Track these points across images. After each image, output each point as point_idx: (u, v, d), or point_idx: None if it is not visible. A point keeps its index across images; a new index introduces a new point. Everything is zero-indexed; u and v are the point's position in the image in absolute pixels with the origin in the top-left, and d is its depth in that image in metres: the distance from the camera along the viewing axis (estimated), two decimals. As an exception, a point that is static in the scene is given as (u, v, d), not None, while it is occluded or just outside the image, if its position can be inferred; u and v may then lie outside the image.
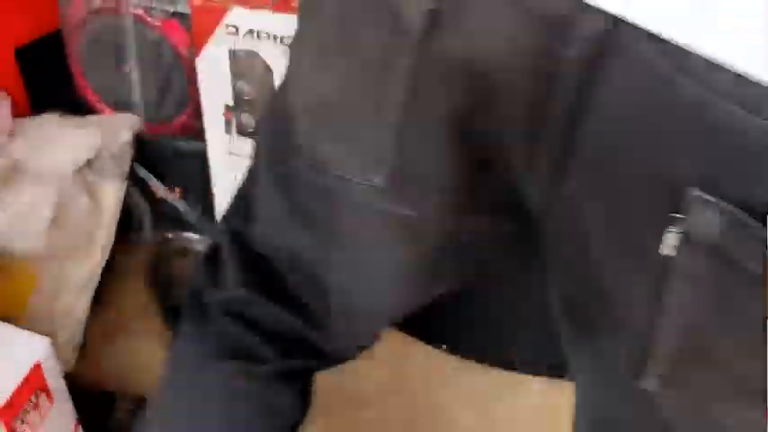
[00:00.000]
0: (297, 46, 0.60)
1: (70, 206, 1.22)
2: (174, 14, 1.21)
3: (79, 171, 1.25)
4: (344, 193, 0.56)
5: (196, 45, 1.17)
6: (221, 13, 1.12)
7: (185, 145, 1.37)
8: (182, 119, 1.33)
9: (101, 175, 1.29)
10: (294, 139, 0.58)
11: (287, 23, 1.10)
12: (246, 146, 1.26)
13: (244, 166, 1.27)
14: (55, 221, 1.18)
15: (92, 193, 1.27)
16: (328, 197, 0.58)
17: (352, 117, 0.54)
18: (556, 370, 1.23)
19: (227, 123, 1.24)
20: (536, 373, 1.29)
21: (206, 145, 1.33)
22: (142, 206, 1.39)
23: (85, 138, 1.26)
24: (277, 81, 1.15)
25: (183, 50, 1.24)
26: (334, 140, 0.56)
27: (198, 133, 1.35)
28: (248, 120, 1.22)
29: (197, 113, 1.30)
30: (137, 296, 1.39)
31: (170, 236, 1.46)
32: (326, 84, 0.54)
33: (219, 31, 1.13)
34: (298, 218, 0.62)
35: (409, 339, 1.35)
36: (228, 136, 1.26)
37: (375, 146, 0.52)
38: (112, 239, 1.29)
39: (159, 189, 1.42)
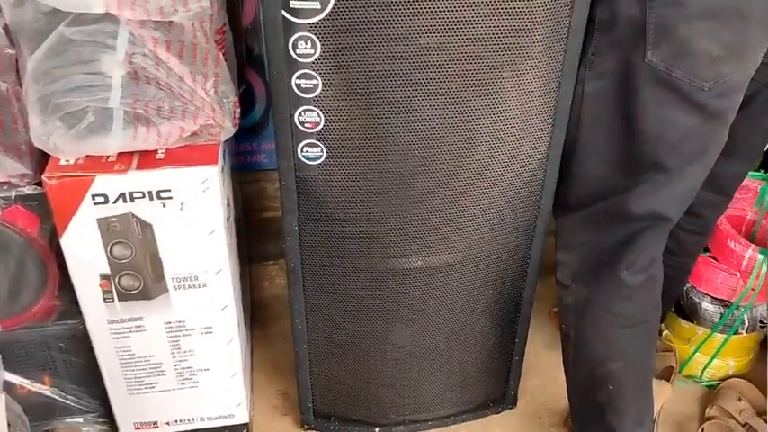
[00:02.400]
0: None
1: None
2: (17, 199, 1.12)
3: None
4: None
5: (58, 224, 1.10)
6: (82, 186, 1.08)
7: (49, 329, 1.26)
8: (41, 304, 1.22)
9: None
10: None
11: (156, 179, 1.09)
12: (131, 310, 1.20)
13: (130, 331, 1.22)
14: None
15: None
16: None
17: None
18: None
19: (106, 292, 1.18)
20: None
21: (74, 324, 1.25)
22: (17, 411, 1.24)
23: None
24: (158, 234, 1.13)
25: (33, 233, 1.15)
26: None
27: (62, 314, 1.25)
28: (130, 282, 1.18)
29: (59, 293, 1.21)
30: None
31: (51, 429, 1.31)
32: None
33: (85, 203, 1.09)
34: None
35: None
36: (108, 305, 1.19)
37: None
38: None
39: (26, 385, 1.28)
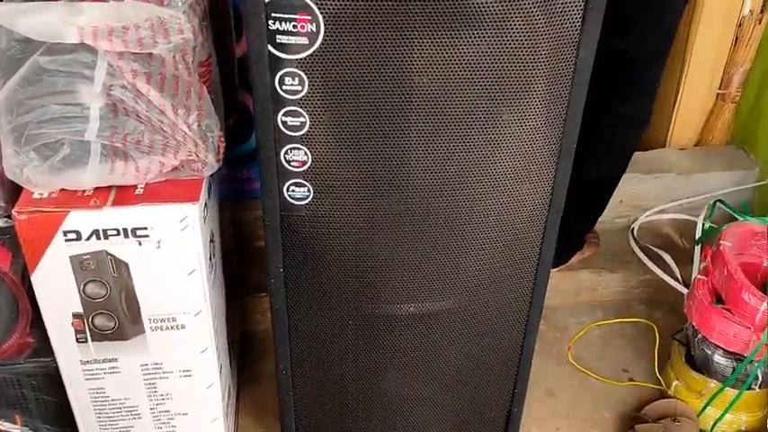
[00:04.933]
0: None
1: None
2: (-13, 232, 1.07)
3: None
4: None
5: (29, 260, 1.04)
6: (54, 221, 1.02)
7: (21, 367, 1.20)
8: (12, 341, 1.16)
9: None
10: None
11: (132, 216, 1.04)
12: (105, 350, 1.14)
13: (104, 372, 1.16)
14: None
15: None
16: None
17: None
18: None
19: (79, 332, 1.12)
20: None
21: (47, 362, 1.19)
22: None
23: None
24: (134, 273, 1.07)
25: (4, 268, 1.10)
26: None
27: (35, 351, 1.19)
28: (104, 322, 1.11)
29: (31, 330, 1.16)
30: None
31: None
32: None
33: (57, 240, 1.03)
34: None
35: None
36: (80, 345, 1.13)
37: None
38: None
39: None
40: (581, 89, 0.98)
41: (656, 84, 1.56)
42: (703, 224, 1.72)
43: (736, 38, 1.88)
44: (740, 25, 1.86)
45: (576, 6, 0.89)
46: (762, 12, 1.84)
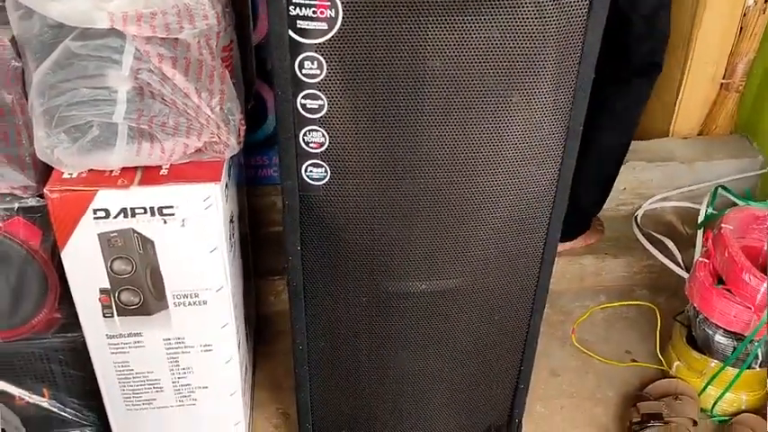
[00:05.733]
0: None
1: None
2: (19, 210, 1.12)
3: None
4: None
5: (59, 238, 1.09)
6: (84, 200, 1.07)
7: (49, 341, 1.25)
8: (41, 316, 1.21)
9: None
10: None
11: (158, 195, 1.08)
12: (130, 325, 1.19)
13: (129, 347, 1.21)
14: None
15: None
16: None
17: None
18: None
19: (105, 307, 1.17)
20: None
21: (74, 337, 1.24)
22: (14, 422, 1.23)
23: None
24: (159, 250, 1.12)
25: (35, 245, 1.15)
26: None
27: (62, 326, 1.24)
28: (129, 297, 1.16)
29: (59, 306, 1.21)
30: None
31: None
32: None
33: (86, 218, 1.08)
34: None
35: None
36: (107, 320, 1.18)
37: None
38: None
39: (25, 396, 1.27)
40: (588, 73, 1.03)
41: (665, 30, 1.60)
42: (706, 210, 1.75)
43: (741, 28, 1.91)
44: (744, 15, 1.89)
45: (583, -7, 0.94)
46: (766, 2, 1.87)
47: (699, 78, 1.98)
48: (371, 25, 0.93)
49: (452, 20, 0.93)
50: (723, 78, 2.00)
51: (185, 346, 1.24)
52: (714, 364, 1.52)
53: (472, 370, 1.35)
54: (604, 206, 1.88)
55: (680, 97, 2.01)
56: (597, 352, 1.73)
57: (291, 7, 0.91)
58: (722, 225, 1.49)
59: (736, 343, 1.48)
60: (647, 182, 2.00)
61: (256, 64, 1.56)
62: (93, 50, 1.00)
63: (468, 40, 0.94)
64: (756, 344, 1.46)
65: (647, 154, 2.00)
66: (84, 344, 1.22)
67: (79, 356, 1.26)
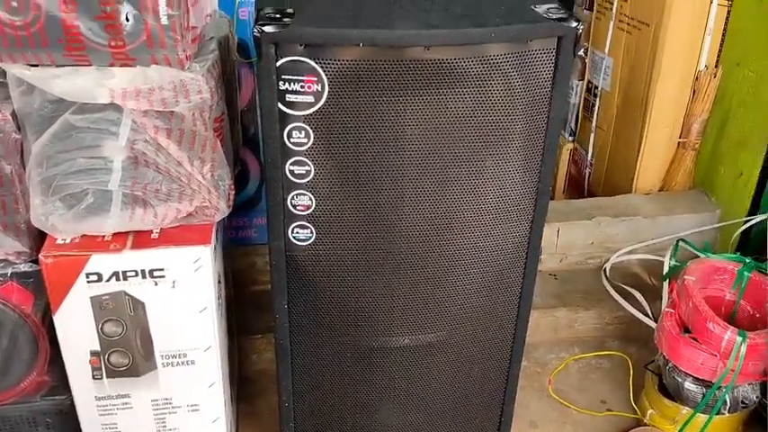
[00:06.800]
0: None
1: None
2: (12, 276, 1.15)
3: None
4: None
5: (52, 301, 1.13)
6: (77, 264, 1.11)
7: (37, 405, 1.26)
8: (30, 379, 1.23)
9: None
10: None
11: (149, 258, 1.13)
12: (119, 386, 1.21)
13: (117, 408, 1.23)
14: None
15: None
16: None
17: None
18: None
19: (95, 369, 1.19)
20: None
21: (62, 399, 1.25)
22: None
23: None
24: (150, 312, 1.16)
25: (26, 309, 1.17)
26: None
27: (51, 389, 1.26)
28: (119, 359, 1.19)
29: (49, 369, 1.23)
30: None
31: None
32: None
33: (79, 282, 1.11)
34: None
35: None
36: (96, 381, 1.20)
37: None
38: None
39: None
40: (554, 136, 1.11)
41: None
42: (669, 262, 1.84)
43: (694, 90, 2.05)
44: (697, 79, 2.03)
45: (547, 67, 1.03)
46: (716, 66, 2.02)
47: (657, 139, 2.10)
48: (355, 98, 1.00)
49: (428, 93, 1.01)
50: (680, 138, 2.12)
51: (173, 407, 1.26)
52: (685, 410, 1.58)
53: (453, 423, 1.38)
54: (575, 259, 1.95)
55: (640, 156, 2.13)
56: (574, 402, 1.78)
57: (281, 82, 0.99)
58: (685, 277, 1.57)
59: (704, 390, 1.54)
60: (614, 236, 2.09)
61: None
62: (91, 123, 1.05)
63: (442, 111, 1.03)
64: (724, 390, 1.52)
65: (612, 210, 2.09)
66: (70, 406, 1.24)
67: (66, 419, 1.27)
